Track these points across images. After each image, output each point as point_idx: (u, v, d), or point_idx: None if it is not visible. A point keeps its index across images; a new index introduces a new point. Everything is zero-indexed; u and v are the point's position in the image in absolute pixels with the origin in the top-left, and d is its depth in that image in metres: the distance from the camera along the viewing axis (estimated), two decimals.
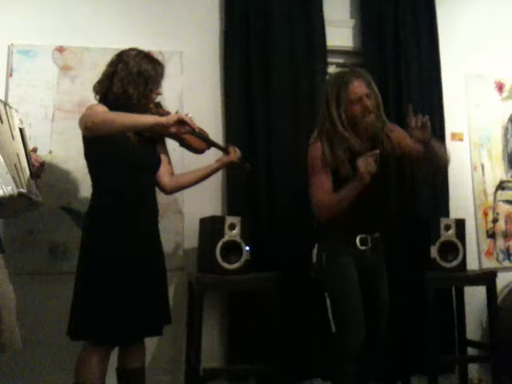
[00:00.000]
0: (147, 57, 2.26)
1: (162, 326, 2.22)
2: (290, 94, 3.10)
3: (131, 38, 2.74)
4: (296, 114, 3.08)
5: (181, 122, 2.04)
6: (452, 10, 3.49)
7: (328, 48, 3.25)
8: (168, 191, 2.43)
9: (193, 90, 3.06)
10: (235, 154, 2.46)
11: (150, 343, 2.67)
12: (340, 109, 2.32)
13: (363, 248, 2.37)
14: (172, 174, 2.43)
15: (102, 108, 2.13)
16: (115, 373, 2.28)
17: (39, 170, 1.97)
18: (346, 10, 3.39)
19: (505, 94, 3.54)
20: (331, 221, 2.32)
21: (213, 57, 3.13)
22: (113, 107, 2.13)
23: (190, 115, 2.11)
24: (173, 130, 2.04)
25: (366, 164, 2.18)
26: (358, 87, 2.34)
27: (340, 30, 3.33)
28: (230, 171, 2.92)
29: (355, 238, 2.37)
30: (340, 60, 3.40)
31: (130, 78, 2.16)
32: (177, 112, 2.33)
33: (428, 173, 2.74)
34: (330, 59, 3.31)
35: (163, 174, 2.37)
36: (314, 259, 2.40)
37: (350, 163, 2.28)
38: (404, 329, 2.96)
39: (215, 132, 2.93)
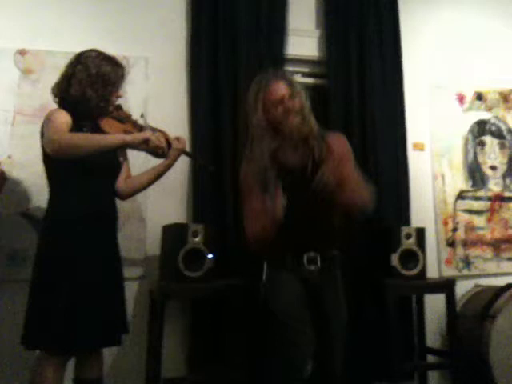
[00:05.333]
0: (107, 58, 2.23)
1: (119, 336, 2.18)
2: None
3: (96, 42, 2.68)
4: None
5: (146, 141, 2.04)
6: (416, 23, 3.56)
7: (293, 57, 3.29)
8: (123, 196, 2.37)
9: (158, 95, 3.04)
10: (179, 142, 2.34)
11: (110, 353, 2.63)
12: (259, 115, 2.16)
13: (312, 268, 2.19)
14: (128, 177, 2.38)
15: (64, 117, 2.09)
16: None
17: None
18: (311, 20, 3.43)
19: (466, 105, 3.63)
20: (278, 236, 2.12)
21: (179, 63, 3.12)
22: (71, 110, 2.11)
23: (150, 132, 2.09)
24: (140, 148, 2.04)
25: (271, 198, 2.04)
26: (278, 89, 2.18)
27: (305, 40, 3.37)
28: (195, 173, 2.91)
29: (303, 257, 2.19)
30: (305, 69, 3.43)
31: (89, 80, 2.13)
32: (142, 116, 2.32)
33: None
34: (295, 68, 3.34)
35: (120, 178, 2.32)
36: (263, 276, 2.27)
37: (281, 175, 2.11)
38: (365, 337, 2.99)
39: (181, 132, 2.90)
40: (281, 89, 2.19)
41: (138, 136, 2.06)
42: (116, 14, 3.06)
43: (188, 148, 2.86)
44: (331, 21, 3.34)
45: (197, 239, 2.63)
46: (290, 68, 3.27)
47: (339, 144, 2.23)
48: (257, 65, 3.11)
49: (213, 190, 2.94)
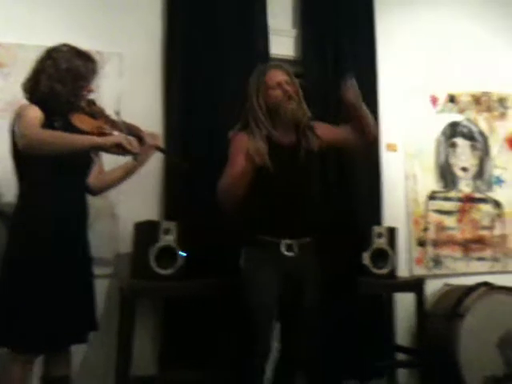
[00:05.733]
0: (79, 53, 2.20)
1: (86, 334, 2.16)
2: (232, 98, 3.10)
3: (69, 37, 2.64)
4: (238, 120, 3.09)
5: (118, 145, 2.03)
6: (391, 24, 3.59)
7: (271, 56, 3.29)
8: (95, 192, 2.36)
9: (132, 91, 3.00)
10: (153, 138, 2.35)
11: (80, 350, 2.60)
12: (260, 98, 2.36)
13: (289, 254, 2.33)
14: (101, 173, 2.36)
15: (35, 112, 2.06)
16: (39, 382, 2.21)
17: None
18: (288, 20, 3.44)
19: (439, 107, 3.68)
20: (255, 225, 2.32)
21: (153, 59, 3.09)
22: (41, 106, 2.08)
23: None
24: (110, 151, 2.03)
25: (255, 142, 2.21)
26: (277, 74, 2.41)
27: (282, 39, 3.37)
28: (168, 169, 2.90)
29: (280, 244, 2.32)
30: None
31: (58, 76, 2.11)
32: (117, 113, 2.30)
33: (361, 150, 2.70)
34: (278, 63, 3.34)
35: (92, 174, 2.30)
36: (240, 263, 2.39)
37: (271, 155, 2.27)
38: (336, 335, 3.01)
39: (154, 128, 2.89)
40: (279, 74, 2.42)
41: (110, 139, 2.05)
42: (90, 8, 3.01)
43: (162, 144, 2.85)
44: (307, 21, 3.35)
45: (169, 237, 2.62)
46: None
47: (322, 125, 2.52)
48: (232, 63, 3.11)
49: (186, 187, 2.93)
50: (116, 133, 2.24)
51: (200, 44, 3.07)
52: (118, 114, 2.27)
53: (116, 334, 2.74)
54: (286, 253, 2.32)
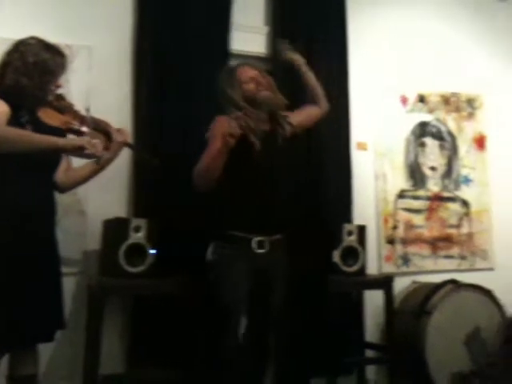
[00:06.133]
0: (47, 46, 2.15)
1: (53, 332, 2.13)
2: (202, 94, 3.09)
3: (37, 29, 2.59)
4: (208, 115, 3.07)
5: (81, 148, 2.00)
6: (363, 24, 3.61)
7: (242, 53, 3.28)
8: (62, 189, 2.31)
9: (101, 86, 2.96)
10: (121, 134, 2.32)
11: (48, 349, 2.56)
12: (235, 89, 2.42)
13: (260, 251, 2.34)
14: (68, 170, 2.31)
15: (1, 107, 2.00)
16: (6, 381, 2.16)
17: None
18: (260, 17, 3.43)
19: (408, 107, 3.72)
20: (226, 220, 2.33)
21: (123, 53, 3.05)
22: (6, 100, 2.02)
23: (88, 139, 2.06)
24: (72, 154, 2.00)
25: (230, 126, 2.21)
26: (249, 70, 2.50)
27: (254, 36, 3.37)
28: (138, 166, 2.87)
29: (251, 240, 2.33)
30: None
31: (25, 69, 2.06)
32: (87, 110, 2.27)
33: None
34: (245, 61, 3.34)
35: (59, 171, 2.25)
36: (208, 258, 2.39)
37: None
38: (305, 332, 3.03)
39: (123, 123, 2.85)
40: (250, 70, 2.50)
41: (72, 142, 2.03)
42: (59, 1, 2.96)
43: (131, 140, 2.82)
44: (279, 18, 3.35)
45: (139, 234, 2.59)
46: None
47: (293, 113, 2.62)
48: (203, 59, 3.09)
49: (156, 183, 2.90)
50: (84, 129, 2.21)
51: (170, 39, 3.04)
52: (87, 110, 2.23)
53: (84, 332, 2.70)
54: (257, 249, 2.33)
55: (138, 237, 2.60)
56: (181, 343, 2.65)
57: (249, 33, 3.30)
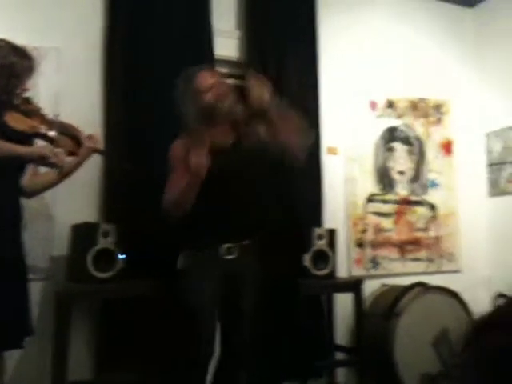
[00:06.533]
0: (15, 49, 2.13)
1: (21, 338, 2.09)
2: (173, 97, 3.07)
3: (4, 31, 2.56)
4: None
5: (42, 158, 1.97)
6: (333, 29, 3.65)
7: (215, 57, 3.28)
8: (29, 194, 2.28)
9: (70, 89, 2.92)
10: (91, 140, 2.29)
11: (15, 356, 2.52)
12: (190, 101, 2.35)
13: (229, 257, 2.35)
14: (35, 175, 2.29)
15: None
16: None
17: None
18: (232, 21, 3.44)
19: (378, 112, 3.77)
20: (195, 228, 2.31)
21: (93, 55, 3.02)
22: None
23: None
24: (34, 163, 1.97)
25: (196, 156, 2.17)
26: (207, 77, 2.41)
27: (226, 41, 3.37)
28: (108, 170, 2.84)
29: (220, 247, 2.33)
30: (226, 70, 3.44)
31: None
32: (56, 116, 2.24)
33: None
34: (216, 69, 3.33)
35: (26, 176, 2.22)
36: (178, 265, 2.39)
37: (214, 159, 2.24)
38: (275, 335, 3.04)
39: (93, 128, 2.82)
40: (209, 78, 2.41)
41: (35, 151, 2.01)
42: (27, 2, 2.92)
43: (101, 146, 2.78)
44: (251, 22, 3.36)
45: (108, 239, 2.57)
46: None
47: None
48: (176, 62, 3.07)
49: (127, 188, 2.87)
50: (52, 133, 2.17)
51: (142, 42, 3.02)
52: (56, 115, 2.20)
53: (52, 338, 2.65)
54: (225, 256, 2.34)
55: (106, 242, 2.57)
56: (149, 348, 2.62)
57: (221, 37, 3.30)
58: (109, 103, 2.98)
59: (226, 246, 2.34)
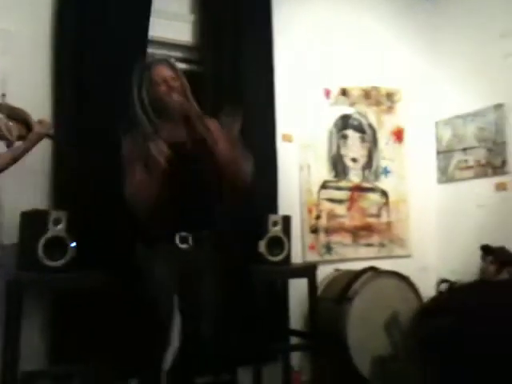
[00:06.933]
0: None
1: None
2: (124, 82, 3.00)
3: None
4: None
5: None
6: (288, 16, 3.64)
7: (166, 41, 3.24)
8: None
9: (19, 72, 2.82)
10: (42, 125, 2.25)
11: None
12: (142, 93, 2.33)
13: (184, 247, 2.35)
14: None
15: None
16: None
17: None
18: (185, 5, 3.39)
19: (331, 100, 3.81)
20: (150, 217, 2.30)
21: (43, 37, 2.92)
22: None
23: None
24: None
25: (157, 147, 2.17)
26: (162, 70, 2.39)
27: (179, 24, 3.33)
28: (58, 156, 2.78)
29: (175, 236, 2.33)
30: (179, 54, 3.39)
31: None
32: (3, 95, 2.16)
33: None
34: (169, 53, 3.29)
35: None
36: (134, 255, 2.37)
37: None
38: (230, 321, 3.06)
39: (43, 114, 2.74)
40: (164, 70, 2.38)
41: None
42: None
43: (51, 131, 2.71)
44: (205, 6, 3.33)
45: (59, 227, 2.52)
46: (161, 51, 3.20)
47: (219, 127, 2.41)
48: (125, 47, 3.01)
49: (78, 174, 2.81)
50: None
51: (92, 28, 2.94)
52: (3, 96, 2.13)
53: (3, 328, 2.59)
54: (180, 245, 2.33)
55: (57, 230, 2.52)
56: (104, 338, 2.59)
57: (174, 20, 3.25)
58: (58, 88, 2.90)
59: (181, 234, 2.33)
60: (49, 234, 2.49)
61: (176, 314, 2.41)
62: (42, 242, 2.47)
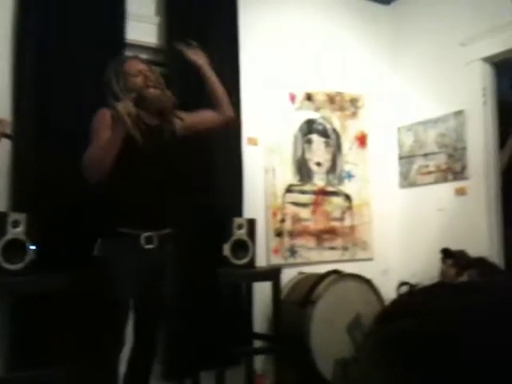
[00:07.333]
0: None
1: None
2: (91, 83, 2.96)
3: None
4: (97, 105, 2.96)
5: None
6: (253, 20, 3.64)
7: (132, 43, 3.20)
8: None
9: None
10: (0, 125, 2.25)
11: None
12: (120, 83, 2.34)
13: (149, 247, 2.33)
14: None
15: None
16: None
17: None
18: (151, 7, 3.37)
19: (297, 105, 3.84)
20: (114, 216, 2.28)
21: (3, 39, 2.84)
22: None
23: None
24: None
25: (125, 105, 2.18)
26: (135, 63, 2.45)
27: (144, 26, 3.30)
28: (17, 157, 2.71)
29: (140, 236, 2.31)
30: (145, 56, 3.35)
31: None
32: None
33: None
34: (135, 54, 3.25)
35: None
36: (95, 254, 2.34)
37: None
38: (194, 326, 3.04)
39: (2, 113, 2.67)
40: (138, 63, 2.45)
41: None
42: None
43: (10, 131, 2.64)
44: (171, 8, 3.31)
45: (18, 229, 2.45)
46: (127, 53, 3.17)
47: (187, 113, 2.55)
48: (92, 48, 2.97)
49: (37, 175, 2.75)
50: None
51: (54, 27, 2.89)
52: None
53: None
54: (145, 246, 2.31)
55: (16, 232, 2.45)
56: (63, 342, 2.54)
57: (140, 22, 3.23)
58: (18, 87, 2.83)
59: (146, 234, 2.31)
60: (8, 237, 2.42)
61: (132, 315, 2.39)
62: (0, 244, 2.40)
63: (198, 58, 2.61)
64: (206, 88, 2.64)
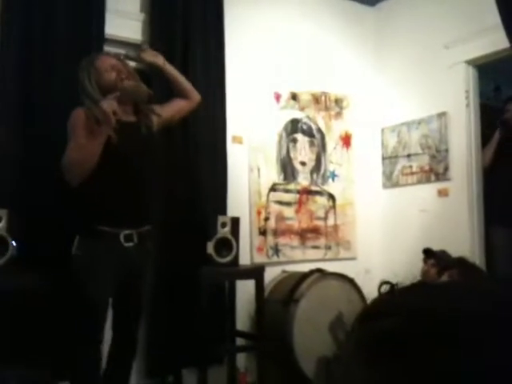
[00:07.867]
0: None
1: None
2: (72, 79, 2.94)
3: None
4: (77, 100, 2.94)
5: None
6: (239, 19, 3.64)
7: (117, 39, 3.18)
8: None
9: None
10: None
11: None
12: (92, 82, 2.31)
13: (128, 245, 2.31)
14: None
15: None
16: None
17: None
18: (136, 3, 3.35)
19: (282, 104, 3.84)
20: (93, 214, 2.26)
21: None
22: None
23: None
24: None
25: (110, 104, 2.17)
26: (107, 58, 2.44)
27: (129, 22, 3.28)
28: None
29: (119, 234, 2.29)
30: (129, 52, 3.34)
31: None
32: None
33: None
34: (118, 51, 3.23)
35: None
36: (73, 252, 2.32)
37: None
38: (175, 323, 3.03)
39: None
40: (110, 59, 2.44)
41: None
42: None
43: None
44: (156, 5, 3.29)
45: None
46: (112, 49, 3.15)
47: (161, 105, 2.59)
48: (75, 44, 2.94)
49: (18, 171, 2.72)
50: None
51: (37, 21, 2.86)
52: None
53: None
54: (125, 244, 2.29)
55: None
56: (42, 341, 2.52)
57: (124, 18, 3.21)
58: (0, 84, 2.79)
59: (125, 232, 2.29)
60: None
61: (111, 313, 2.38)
62: None
63: (156, 59, 2.63)
64: (171, 84, 2.69)
